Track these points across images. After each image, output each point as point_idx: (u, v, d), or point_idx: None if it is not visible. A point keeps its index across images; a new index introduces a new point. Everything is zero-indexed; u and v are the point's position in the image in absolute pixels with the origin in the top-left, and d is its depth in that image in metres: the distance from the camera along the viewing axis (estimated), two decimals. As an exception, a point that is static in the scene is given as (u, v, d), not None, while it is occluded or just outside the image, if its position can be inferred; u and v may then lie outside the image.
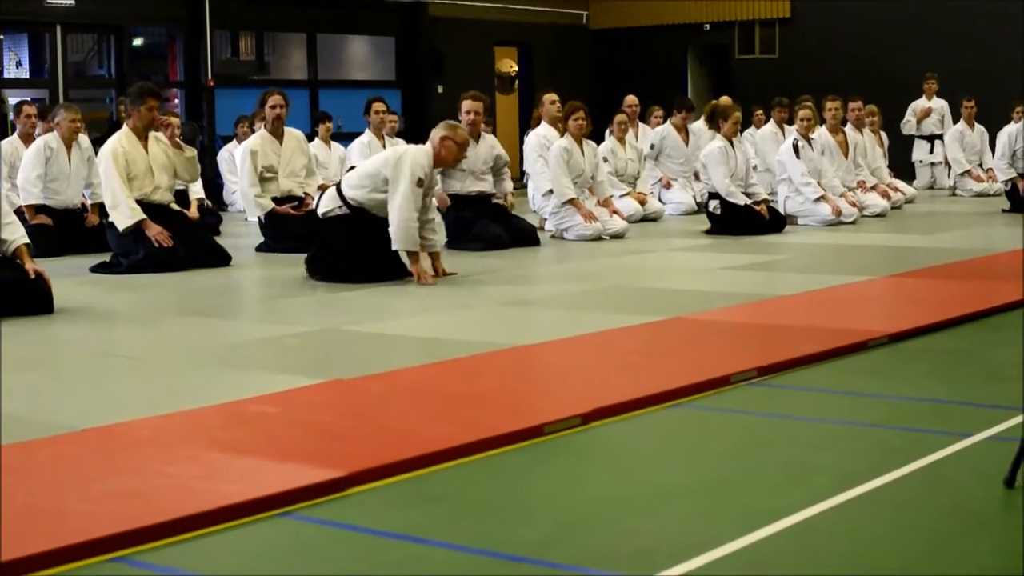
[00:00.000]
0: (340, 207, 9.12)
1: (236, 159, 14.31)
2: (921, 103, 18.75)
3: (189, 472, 4.25)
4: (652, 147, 15.25)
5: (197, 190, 13.18)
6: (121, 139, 10.18)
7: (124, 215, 9.97)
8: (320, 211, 9.24)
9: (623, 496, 4.12)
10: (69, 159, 11.69)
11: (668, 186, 15.14)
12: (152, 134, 10.37)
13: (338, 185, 9.33)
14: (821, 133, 13.93)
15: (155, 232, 9.93)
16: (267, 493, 3.96)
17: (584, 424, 4.94)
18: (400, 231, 8.95)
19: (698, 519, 3.86)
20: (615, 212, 12.37)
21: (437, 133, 9.18)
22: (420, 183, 8.95)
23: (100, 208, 11.35)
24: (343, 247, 9.04)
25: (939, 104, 18.59)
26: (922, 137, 18.69)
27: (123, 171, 10.04)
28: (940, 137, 18.19)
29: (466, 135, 9.48)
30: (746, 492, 4.12)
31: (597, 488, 4.23)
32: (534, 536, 3.71)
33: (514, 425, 4.80)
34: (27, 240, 8.08)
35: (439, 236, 9.76)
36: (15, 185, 11.79)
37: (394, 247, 9.03)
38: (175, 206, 10.59)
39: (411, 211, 8.94)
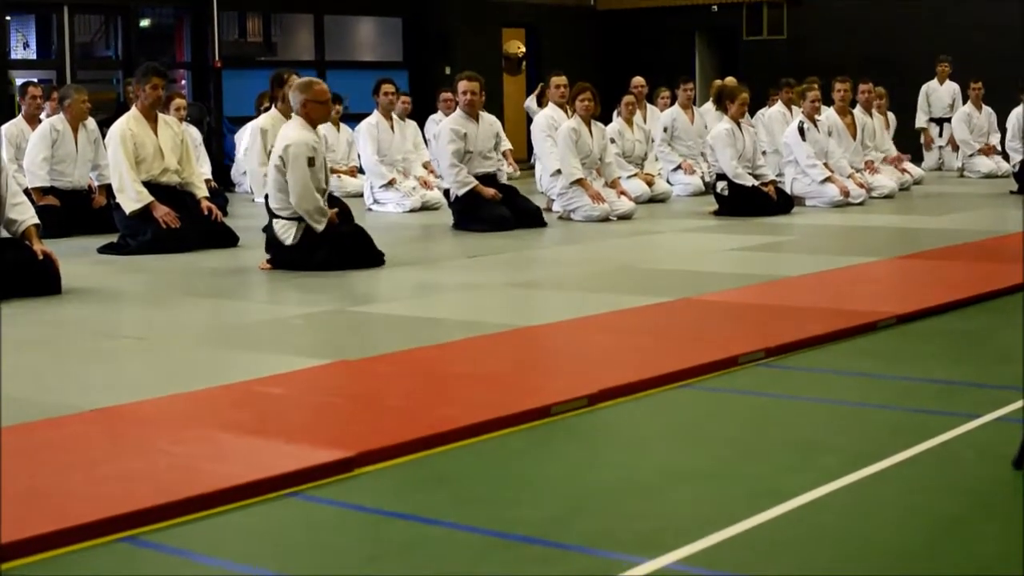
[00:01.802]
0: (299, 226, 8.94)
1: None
2: (933, 86, 18.69)
3: (196, 452, 4.25)
4: (665, 130, 15.16)
5: (204, 171, 13.17)
6: (129, 121, 10.18)
7: (131, 198, 9.99)
8: (291, 242, 8.93)
9: (630, 477, 4.12)
10: (76, 141, 11.68)
11: (691, 170, 14.99)
12: (161, 116, 10.37)
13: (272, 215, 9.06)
14: (829, 114, 13.89)
15: (162, 213, 9.93)
16: (274, 473, 3.96)
17: (591, 405, 4.94)
18: (312, 219, 8.79)
19: (705, 500, 3.85)
20: (623, 193, 12.36)
21: (297, 100, 8.92)
22: (311, 162, 8.82)
23: (107, 189, 11.35)
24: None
25: (951, 88, 18.53)
26: (933, 119, 18.65)
27: (131, 154, 10.05)
28: (950, 120, 18.13)
29: (322, 86, 9.06)
30: (754, 473, 4.12)
31: (604, 469, 4.23)
32: (541, 517, 3.70)
33: (521, 406, 4.80)
34: (37, 221, 8.08)
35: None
36: (21, 167, 11.77)
37: (318, 230, 8.82)
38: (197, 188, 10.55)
39: (312, 197, 8.80)
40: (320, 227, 8.82)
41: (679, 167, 15.04)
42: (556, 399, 4.89)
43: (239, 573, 3.36)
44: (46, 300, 7.66)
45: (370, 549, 3.51)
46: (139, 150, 10.10)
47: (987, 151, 16.99)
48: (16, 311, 7.18)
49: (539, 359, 6.08)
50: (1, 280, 7.56)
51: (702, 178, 14.84)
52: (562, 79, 13.30)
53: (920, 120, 18.55)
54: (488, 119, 11.83)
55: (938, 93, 18.66)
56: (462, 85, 11.58)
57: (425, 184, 13.71)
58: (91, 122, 11.91)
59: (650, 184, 13.98)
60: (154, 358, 6.07)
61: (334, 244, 8.83)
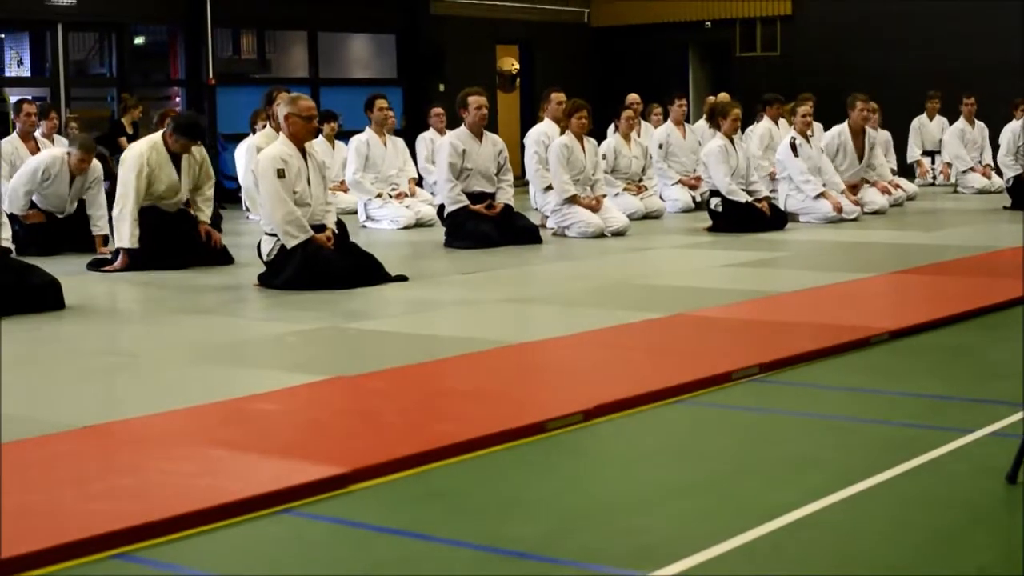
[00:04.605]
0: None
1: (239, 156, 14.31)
2: (923, 120, 18.81)
3: (190, 469, 4.24)
4: (660, 147, 15.16)
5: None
6: (151, 154, 10.01)
7: (123, 234, 9.89)
8: (266, 256, 8.95)
9: (625, 492, 4.12)
10: (70, 185, 11.28)
11: (695, 185, 14.97)
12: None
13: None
14: (841, 130, 13.96)
15: (120, 264, 9.85)
16: (268, 490, 3.95)
17: (586, 421, 4.94)
18: (282, 231, 8.76)
19: (699, 515, 3.85)
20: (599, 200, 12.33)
21: (281, 114, 9.01)
22: (281, 174, 8.77)
23: (104, 238, 11.26)
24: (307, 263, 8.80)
25: (941, 122, 18.64)
26: (925, 153, 18.79)
27: (142, 189, 9.91)
28: (940, 152, 18.35)
29: (309, 103, 9.10)
30: (747, 488, 4.11)
31: (599, 485, 4.23)
32: (536, 532, 3.70)
33: (516, 422, 4.80)
34: (6, 245, 8.06)
35: (333, 215, 9.32)
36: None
37: (288, 246, 8.76)
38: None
39: (281, 208, 8.76)
40: (292, 242, 8.77)
41: (679, 182, 15.03)
42: (551, 415, 4.89)
43: (233, 590, 3.36)
44: (39, 317, 7.65)
45: (364, 565, 3.51)
46: (151, 184, 10.01)
47: (984, 173, 17.00)
48: (9, 328, 7.17)
49: (534, 375, 6.07)
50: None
51: (692, 197, 14.86)
52: (562, 95, 13.31)
53: (913, 154, 18.67)
54: (493, 139, 11.77)
55: (928, 128, 18.85)
56: (475, 100, 11.49)
57: (410, 193, 13.81)
58: (97, 169, 11.45)
59: (640, 191, 14.02)
60: (147, 375, 6.07)
61: (305, 264, 8.72)
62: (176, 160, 10.17)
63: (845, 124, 14.09)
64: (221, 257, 10.27)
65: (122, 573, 3.44)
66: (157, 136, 10.30)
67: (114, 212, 10.13)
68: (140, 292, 8.99)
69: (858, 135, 14.12)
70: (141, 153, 10.05)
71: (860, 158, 14.12)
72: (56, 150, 11.78)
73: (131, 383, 5.91)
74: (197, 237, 10.23)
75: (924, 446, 4.49)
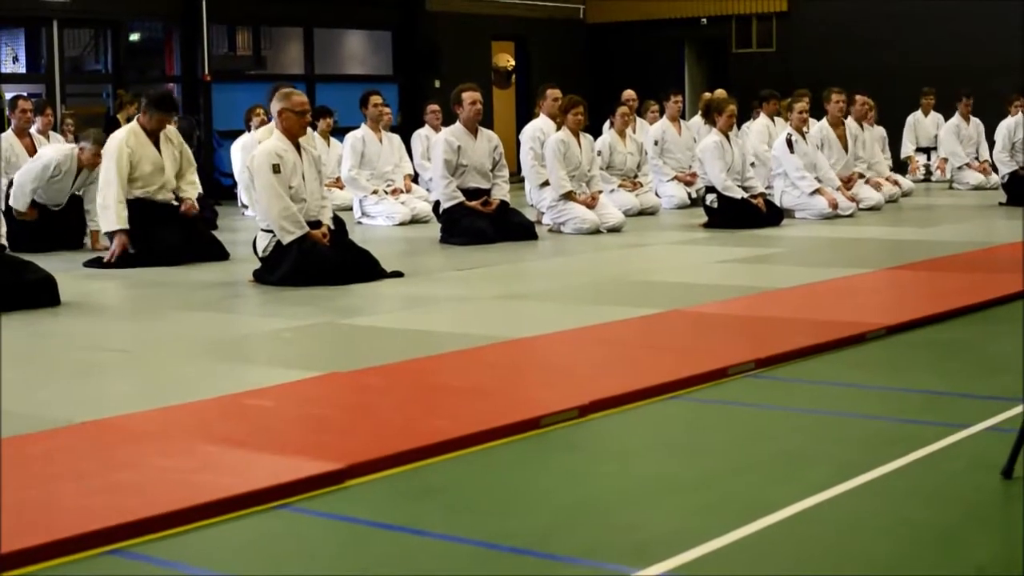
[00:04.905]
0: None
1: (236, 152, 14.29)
2: (918, 117, 18.86)
3: (185, 465, 4.24)
4: (656, 143, 15.18)
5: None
6: (129, 137, 10.06)
7: (110, 220, 9.92)
8: (261, 252, 8.96)
9: (620, 488, 4.12)
10: (75, 179, 11.30)
11: (690, 182, 14.97)
12: (163, 133, 10.26)
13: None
14: (822, 125, 13.94)
15: (121, 244, 9.88)
16: (264, 485, 3.95)
17: (581, 416, 4.94)
18: (278, 226, 8.77)
19: (695, 511, 3.85)
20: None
21: (274, 110, 9.04)
22: (276, 169, 8.76)
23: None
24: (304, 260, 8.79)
25: (935, 119, 18.68)
26: (920, 149, 18.83)
27: (124, 172, 9.94)
28: (936, 149, 18.40)
29: (301, 97, 9.08)
30: (743, 484, 4.12)
31: (594, 480, 4.23)
32: (532, 528, 3.70)
33: (511, 418, 4.80)
34: (2, 242, 8.07)
35: (329, 211, 9.30)
36: (11, 181, 11.61)
37: (284, 242, 8.76)
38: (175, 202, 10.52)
39: (277, 203, 8.76)
40: (288, 238, 8.77)
41: (674, 179, 15.04)
42: (546, 411, 4.88)
43: (229, 585, 3.36)
44: (35, 313, 7.65)
45: (360, 561, 3.51)
46: (135, 168, 10.03)
47: (982, 170, 16.99)
48: (6, 324, 7.16)
49: (530, 371, 6.07)
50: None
51: (688, 194, 14.88)
52: (557, 91, 13.31)
53: (907, 150, 18.73)
54: (487, 135, 11.78)
55: (923, 124, 18.93)
56: (469, 96, 11.51)
57: (406, 190, 13.79)
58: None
59: (636, 187, 14.02)
60: (144, 371, 6.06)
61: (301, 260, 8.71)
62: (155, 140, 10.21)
63: (825, 119, 14.11)
64: (216, 253, 10.26)
65: (120, 568, 3.44)
66: (132, 123, 10.38)
67: (98, 201, 10.14)
68: (135, 288, 8.98)
69: (838, 126, 14.14)
70: (121, 140, 10.13)
71: (846, 149, 14.14)
72: (64, 146, 11.79)
73: (128, 379, 5.91)
74: (191, 232, 10.21)
75: (920, 441, 4.49)
